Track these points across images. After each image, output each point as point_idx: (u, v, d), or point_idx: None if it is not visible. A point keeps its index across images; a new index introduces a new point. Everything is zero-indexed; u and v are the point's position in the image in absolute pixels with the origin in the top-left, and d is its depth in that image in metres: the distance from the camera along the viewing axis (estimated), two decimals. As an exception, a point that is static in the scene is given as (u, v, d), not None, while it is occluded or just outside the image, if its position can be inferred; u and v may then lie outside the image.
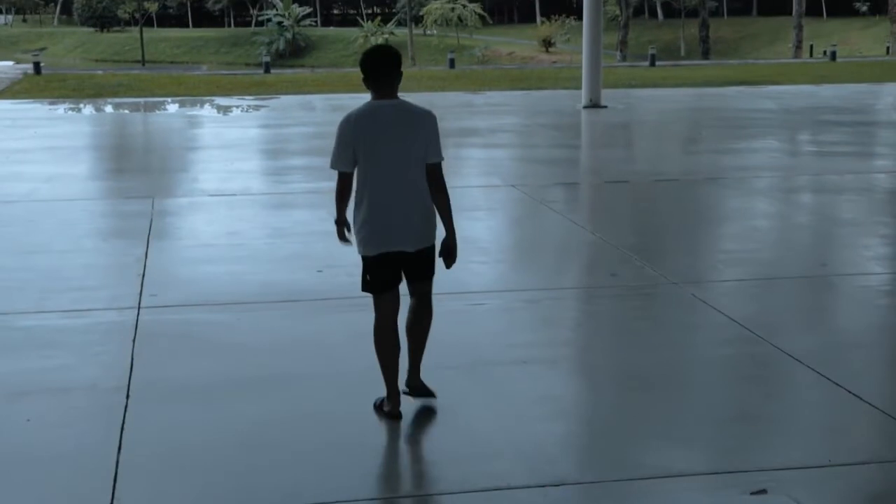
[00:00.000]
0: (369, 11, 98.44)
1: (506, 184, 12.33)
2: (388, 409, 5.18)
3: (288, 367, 5.96)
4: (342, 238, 5.21)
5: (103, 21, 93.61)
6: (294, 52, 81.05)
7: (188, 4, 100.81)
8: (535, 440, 4.91)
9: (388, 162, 4.98)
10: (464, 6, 76.91)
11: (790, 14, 62.86)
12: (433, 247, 5.14)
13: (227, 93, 26.22)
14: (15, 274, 8.08)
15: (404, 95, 5.19)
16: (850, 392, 5.48)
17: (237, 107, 23.09)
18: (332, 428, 5.10)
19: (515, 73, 34.36)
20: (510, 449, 4.82)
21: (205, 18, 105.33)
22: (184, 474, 4.63)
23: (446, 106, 21.26)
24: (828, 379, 5.68)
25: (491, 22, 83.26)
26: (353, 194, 5.09)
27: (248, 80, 31.32)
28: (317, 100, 24.39)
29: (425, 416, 5.38)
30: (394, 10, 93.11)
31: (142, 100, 24.65)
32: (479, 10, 77.76)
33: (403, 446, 5.15)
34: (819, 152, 15.91)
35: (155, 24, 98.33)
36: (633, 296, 7.47)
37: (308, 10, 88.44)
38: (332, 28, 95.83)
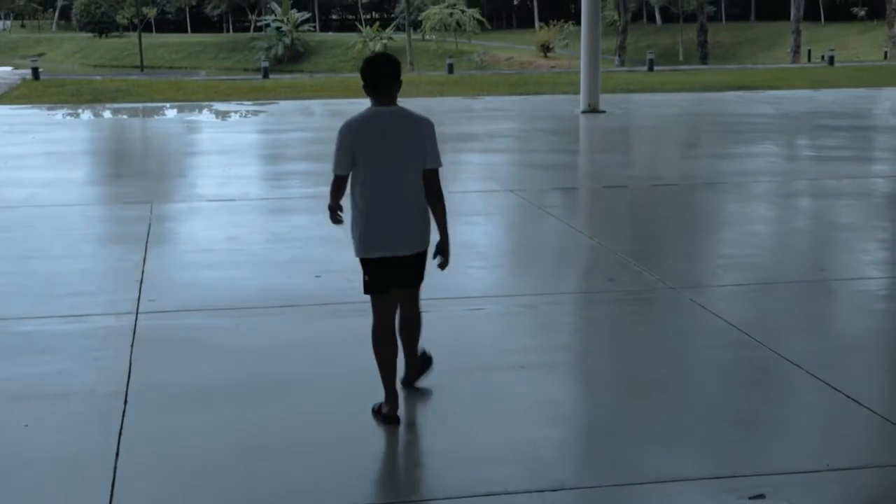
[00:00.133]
0: (368, 17, 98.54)
1: (504, 189, 12.34)
2: (385, 411, 5.21)
3: (286, 371, 5.96)
4: (335, 220, 5.33)
5: (102, 26, 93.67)
6: (293, 58, 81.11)
7: (187, 10, 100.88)
8: (533, 445, 4.91)
9: (387, 167, 5.07)
10: (462, 11, 77.03)
11: (788, 19, 63.01)
12: (426, 251, 5.24)
13: (225, 98, 26.24)
14: (13, 279, 8.08)
15: (403, 100, 5.22)
16: (848, 396, 5.48)
17: (236, 112, 23.10)
18: (330, 431, 5.10)
19: (514, 78, 34.40)
20: (509, 453, 4.81)
21: (203, 24, 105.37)
22: (182, 478, 4.62)
23: (445, 111, 21.28)
24: (826, 383, 5.68)
25: (489, 27, 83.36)
26: (352, 197, 5.15)
27: (246, 86, 31.36)
28: (315, 105, 24.42)
29: (424, 419, 5.39)
30: (392, 16, 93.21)
31: (140, 105, 24.66)
32: (478, 16, 77.90)
33: (402, 450, 5.15)
34: (817, 157, 15.92)
35: (153, 30, 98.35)
36: (632, 300, 7.47)
37: (306, 15, 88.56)
38: (330, 33, 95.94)
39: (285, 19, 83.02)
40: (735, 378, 5.94)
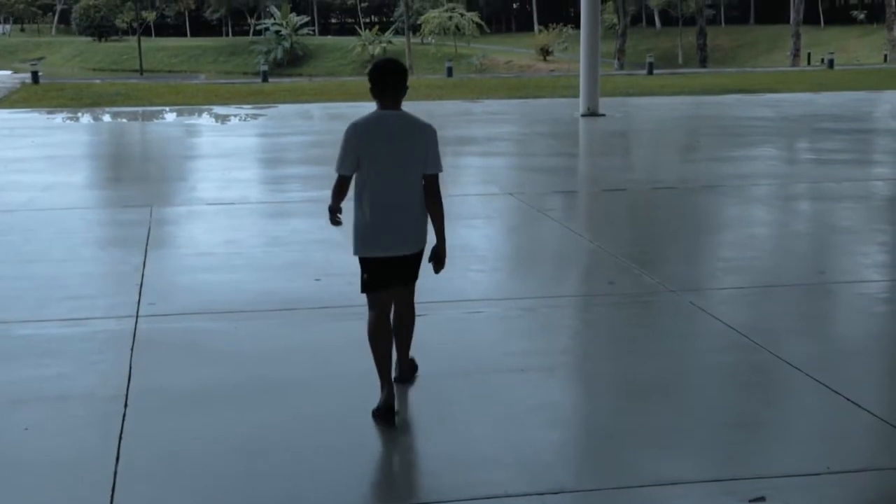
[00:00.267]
0: (367, 20, 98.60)
1: (504, 192, 12.34)
2: (381, 402, 5.23)
3: (286, 374, 5.96)
4: (334, 222, 5.43)
5: (101, 30, 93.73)
6: (292, 61, 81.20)
7: (186, 14, 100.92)
8: (533, 448, 4.91)
9: (389, 169, 5.19)
10: (461, 15, 77.14)
11: (788, 22, 63.06)
12: (423, 252, 5.37)
13: (224, 102, 26.26)
14: (13, 282, 8.08)
15: (402, 104, 5.29)
16: (848, 399, 5.48)
17: (235, 116, 23.12)
18: (330, 434, 5.10)
19: (513, 82, 34.43)
20: (508, 456, 4.81)
21: (203, 28, 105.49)
22: (182, 481, 4.62)
23: (444, 114, 21.29)
24: (826, 386, 5.68)
25: (488, 31, 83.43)
26: (355, 198, 5.25)
27: (245, 89, 31.37)
28: (314, 109, 24.44)
29: (423, 422, 5.39)
30: (391, 19, 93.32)
31: (140, 109, 24.68)
32: (477, 19, 78.01)
33: (401, 453, 5.14)
34: (817, 160, 15.92)
35: (153, 34, 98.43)
36: (631, 304, 7.47)
37: (306, 19, 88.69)
38: (329, 37, 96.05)
39: (284, 23, 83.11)
40: (735, 381, 5.94)
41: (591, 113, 21.53)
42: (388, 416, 5.22)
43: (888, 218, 11.06)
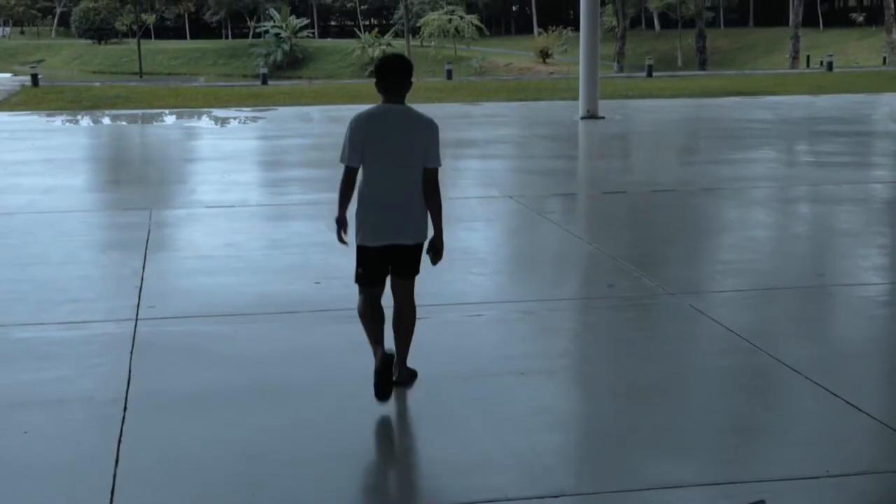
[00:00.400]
0: (367, 23, 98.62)
1: (503, 195, 12.34)
2: (378, 363, 5.32)
3: (286, 377, 5.96)
4: (340, 239, 5.50)
5: (101, 33, 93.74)
6: (291, 64, 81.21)
7: (186, 16, 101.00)
8: (533, 451, 4.91)
9: (391, 161, 5.35)
10: (461, 17, 77.16)
11: (787, 25, 63.09)
12: (423, 245, 5.47)
13: (224, 104, 26.25)
14: (12, 286, 8.08)
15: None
16: (847, 402, 5.48)
17: (234, 118, 23.11)
18: (330, 438, 5.10)
19: (513, 85, 34.43)
20: (508, 459, 4.81)
21: (202, 30, 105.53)
22: (182, 485, 4.62)
23: (444, 117, 21.21)
24: (825, 389, 5.68)
25: (488, 33, 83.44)
26: (358, 188, 5.40)
27: (245, 92, 31.37)
28: (314, 111, 24.44)
29: (423, 426, 5.39)
30: (391, 22, 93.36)
31: (139, 111, 24.68)
32: (477, 22, 78.01)
33: (401, 457, 5.15)
34: (816, 162, 15.92)
35: (153, 36, 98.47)
36: (631, 306, 7.47)
37: (305, 21, 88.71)
38: (329, 39, 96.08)
39: (284, 25, 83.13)
40: (734, 384, 5.94)
41: (591, 115, 21.53)
42: (386, 374, 5.31)
43: (887, 221, 11.06)
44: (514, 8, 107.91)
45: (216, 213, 11.11)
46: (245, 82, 45.95)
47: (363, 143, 5.33)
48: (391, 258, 5.43)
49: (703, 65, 61.94)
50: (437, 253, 5.48)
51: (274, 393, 5.70)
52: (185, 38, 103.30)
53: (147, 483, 4.63)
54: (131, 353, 6.33)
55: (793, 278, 8.38)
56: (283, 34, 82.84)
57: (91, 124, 22.47)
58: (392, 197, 5.36)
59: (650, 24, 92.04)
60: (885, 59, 57.33)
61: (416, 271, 5.54)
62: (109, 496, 4.46)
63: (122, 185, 14.20)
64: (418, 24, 78.28)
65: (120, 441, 5.02)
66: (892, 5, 57.70)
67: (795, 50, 57.51)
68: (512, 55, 79.51)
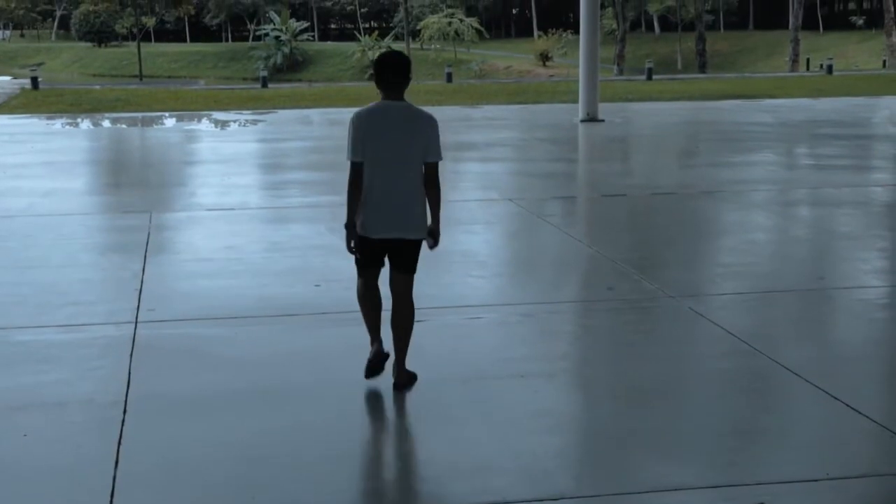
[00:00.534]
0: (367, 26, 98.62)
1: (503, 198, 12.34)
2: (371, 354, 5.66)
3: (285, 380, 5.96)
4: (349, 247, 5.60)
5: (101, 36, 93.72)
6: (291, 67, 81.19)
7: (186, 19, 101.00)
8: (532, 454, 4.91)
9: (391, 156, 5.48)
10: (461, 20, 77.16)
11: (787, 28, 63.11)
12: (421, 241, 5.59)
13: (224, 107, 26.26)
14: (12, 288, 8.08)
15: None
16: (847, 405, 5.48)
17: (234, 121, 23.12)
18: (330, 441, 5.10)
19: (513, 87, 34.44)
20: (508, 463, 4.81)
21: (202, 33, 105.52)
22: (181, 488, 4.62)
23: (444, 120, 21.12)
24: (825, 392, 5.68)
25: (488, 36, 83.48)
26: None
27: (245, 95, 31.38)
28: (314, 114, 24.45)
29: (423, 429, 5.39)
30: (391, 25, 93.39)
31: (139, 114, 24.68)
32: (476, 25, 78.00)
33: (401, 460, 5.15)
34: (816, 165, 15.94)
35: (153, 39, 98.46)
36: (631, 309, 7.47)
37: (305, 24, 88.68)
38: (329, 42, 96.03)
39: (284, 28, 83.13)
40: (734, 386, 5.94)
41: (591, 118, 21.54)
42: (377, 364, 5.59)
43: (887, 224, 11.06)
44: (513, 11, 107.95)
45: (216, 216, 11.11)
46: (245, 85, 45.92)
47: (363, 140, 5.46)
48: (390, 251, 5.56)
49: (702, 68, 61.94)
50: (434, 239, 5.60)
51: (274, 396, 5.70)
52: (185, 41, 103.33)
53: (147, 486, 4.63)
54: (131, 355, 6.33)
55: (793, 281, 8.38)
56: (283, 37, 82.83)
57: (91, 127, 22.47)
58: (393, 192, 5.48)
59: (650, 27, 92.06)
60: (884, 62, 57.34)
61: (414, 268, 5.62)
62: (109, 499, 4.46)
63: (122, 188, 14.21)
64: (418, 27, 78.28)
65: (119, 444, 5.02)
66: (892, 8, 57.70)
67: (795, 53, 57.51)
68: (512, 58, 79.53)
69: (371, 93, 5.77)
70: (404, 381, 5.68)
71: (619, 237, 10.41)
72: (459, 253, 8.95)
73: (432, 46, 78.41)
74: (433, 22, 77.32)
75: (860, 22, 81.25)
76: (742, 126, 21.25)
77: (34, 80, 33.42)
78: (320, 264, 8.67)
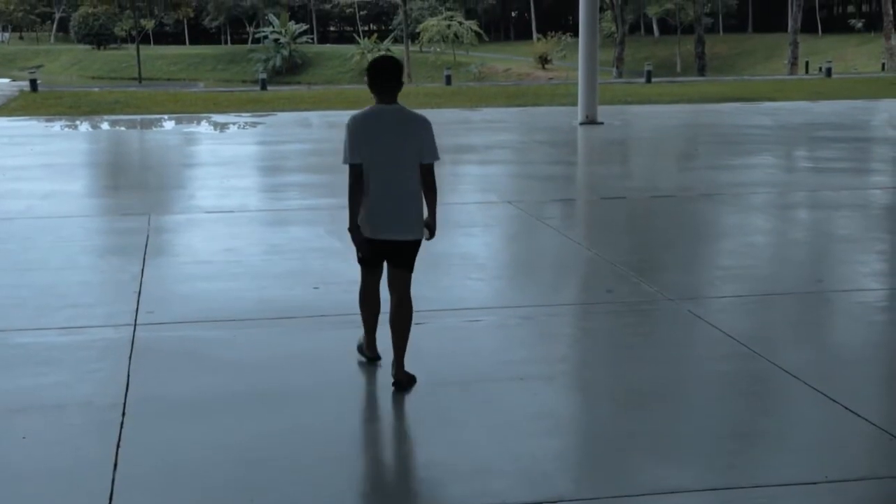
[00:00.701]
0: (366, 28, 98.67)
1: (502, 200, 12.35)
2: (369, 355, 6.02)
3: (284, 383, 5.95)
4: (358, 248, 5.76)
5: (100, 38, 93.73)
6: (291, 69, 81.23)
7: (185, 22, 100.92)
8: (532, 456, 4.91)
9: (387, 159, 5.59)
10: (460, 23, 77.16)
11: (786, 31, 63.14)
12: (420, 242, 5.71)
13: (223, 110, 26.26)
14: (11, 291, 8.07)
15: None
16: (846, 408, 5.48)
17: (234, 124, 23.12)
18: (329, 443, 5.10)
19: (512, 90, 34.44)
20: (507, 465, 4.81)
21: (201, 36, 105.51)
22: (180, 490, 4.61)
23: (443, 122, 21.29)
24: (824, 395, 5.68)
25: (487, 39, 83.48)
26: None
27: (244, 97, 31.39)
28: (313, 117, 24.45)
29: (422, 431, 5.39)
30: (390, 27, 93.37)
31: (138, 117, 24.68)
32: (475, 27, 78.02)
33: (400, 462, 5.15)
34: (815, 168, 15.95)
35: (152, 42, 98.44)
36: (630, 312, 7.47)
37: (304, 27, 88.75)
38: (328, 45, 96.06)
39: (283, 31, 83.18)
40: (733, 389, 5.94)
41: (590, 121, 21.55)
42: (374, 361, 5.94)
43: (886, 226, 11.07)
44: (513, 14, 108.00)
45: (215, 219, 11.11)
46: (244, 87, 45.93)
47: (360, 143, 5.57)
48: (389, 251, 5.68)
49: (701, 70, 62.00)
50: (431, 232, 5.77)
51: (273, 398, 5.70)
52: (184, 43, 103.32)
53: (146, 489, 4.63)
54: (130, 358, 6.33)
55: (791, 284, 8.38)
56: (283, 39, 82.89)
57: (90, 129, 22.47)
58: (390, 194, 5.59)
59: (649, 30, 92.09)
60: (883, 64, 57.39)
61: (412, 266, 5.74)
62: (108, 501, 4.46)
63: (120, 191, 14.21)
64: (417, 30, 78.29)
65: (118, 446, 5.02)
66: (891, 11, 57.77)
67: (794, 56, 57.55)
68: (511, 61, 79.56)
69: (370, 95, 5.77)
70: (403, 378, 5.70)
71: (618, 240, 10.41)
72: (458, 255, 8.95)
73: (431, 49, 78.40)
74: (432, 25, 77.31)
75: (859, 25, 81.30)
76: (741, 129, 21.26)
77: (33, 83, 33.41)
78: (319, 267, 8.67)
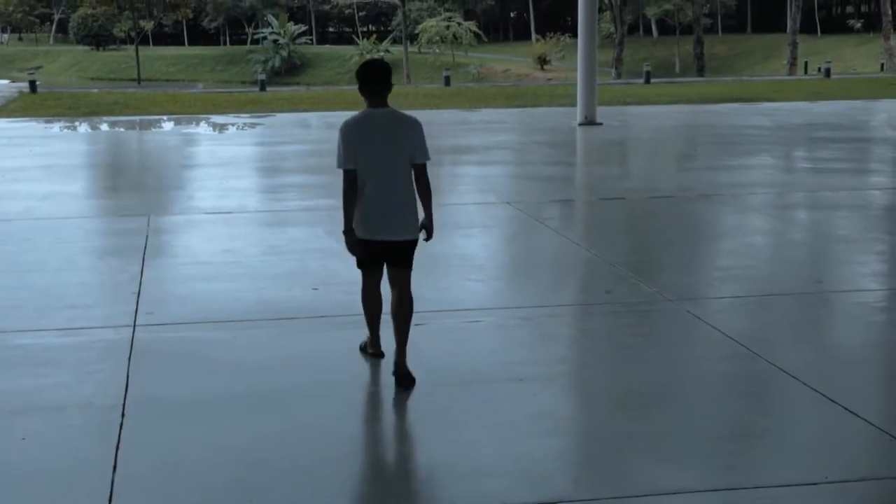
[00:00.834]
0: (364, 29, 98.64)
1: (501, 201, 12.34)
2: (371, 351, 6.12)
3: (283, 383, 5.96)
4: (351, 250, 5.84)
5: (99, 39, 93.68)
6: (289, 70, 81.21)
7: (184, 23, 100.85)
8: (531, 457, 4.91)
9: (381, 162, 5.70)
10: (459, 24, 77.10)
11: (784, 31, 63.10)
12: (416, 241, 5.81)
13: (222, 111, 26.26)
14: (11, 292, 8.07)
15: (403, 110, 5.36)
16: (845, 409, 5.48)
17: (233, 125, 23.12)
18: (328, 444, 5.10)
19: (511, 91, 34.44)
20: (507, 465, 4.81)
21: (200, 36, 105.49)
22: (180, 491, 4.62)
23: (442, 123, 21.30)
24: (824, 395, 5.69)
25: (486, 40, 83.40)
26: None
27: (243, 98, 31.38)
28: (312, 117, 24.46)
29: (422, 432, 5.39)
30: (389, 28, 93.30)
31: (137, 118, 24.68)
32: (474, 28, 77.95)
33: (400, 463, 5.15)
34: (814, 169, 15.95)
35: (151, 43, 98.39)
36: (629, 313, 7.47)
37: (303, 28, 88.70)
38: (327, 46, 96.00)
39: (282, 32, 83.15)
40: (733, 390, 5.95)
41: (589, 122, 21.55)
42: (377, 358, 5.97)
43: (885, 227, 11.07)
44: (511, 14, 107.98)
45: (214, 220, 11.11)
46: (243, 88, 45.96)
47: (353, 148, 5.67)
48: (386, 251, 5.78)
49: (700, 71, 61.98)
50: (428, 233, 5.86)
51: (272, 399, 5.70)
52: (183, 44, 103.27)
53: (145, 489, 4.63)
54: (129, 359, 6.33)
55: (790, 284, 8.39)
56: (282, 40, 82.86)
57: (89, 131, 22.47)
58: (384, 196, 5.69)
59: (648, 31, 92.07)
60: (882, 65, 57.38)
61: (411, 264, 5.84)
62: (107, 502, 4.46)
63: (120, 192, 14.20)
64: (416, 31, 78.28)
65: (118, 447, 5.02)
66: (890, 12, 57.77)
67: (793, 56, 57.53)
68: (510, 61, 79.54)
69: (365, 97, 5.79)
70: (403, 373, 5.73)
71: (617, 240, 10.41)
72: (457, 256, 8.96)
73: (430, 50, 78.38)
74: (431, 25, 77.27)
75: (858, 25, 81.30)
76: (740, 129, 21.26)
77: (32, 84, 33.41)
78: (318, 268, 8.67)
